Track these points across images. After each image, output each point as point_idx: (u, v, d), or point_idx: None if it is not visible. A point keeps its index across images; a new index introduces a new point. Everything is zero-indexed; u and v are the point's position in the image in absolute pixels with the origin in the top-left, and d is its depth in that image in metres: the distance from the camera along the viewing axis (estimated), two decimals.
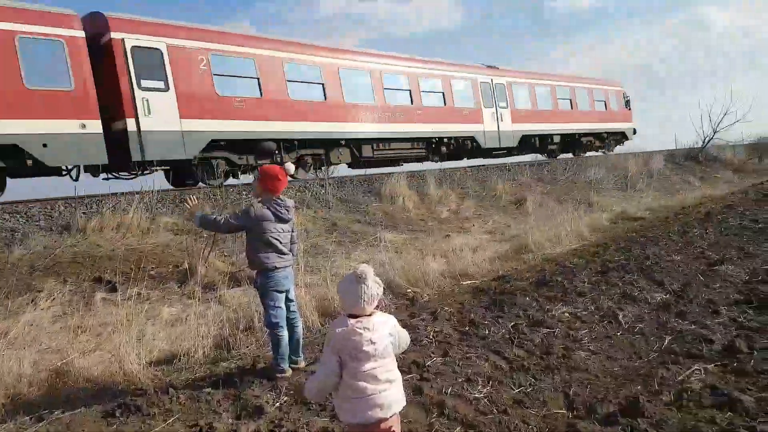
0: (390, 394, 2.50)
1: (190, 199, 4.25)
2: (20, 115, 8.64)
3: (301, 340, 4.23)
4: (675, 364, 3.87)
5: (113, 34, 9.94)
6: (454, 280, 6.77)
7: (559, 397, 3.59)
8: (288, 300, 4.12)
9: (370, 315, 2.53)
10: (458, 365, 3.96)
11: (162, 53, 10.57)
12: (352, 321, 2.48)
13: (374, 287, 2.53)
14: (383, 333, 2.52)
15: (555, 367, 3.93)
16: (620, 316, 4.82)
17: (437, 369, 3.90)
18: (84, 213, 7.99)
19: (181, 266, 6.94)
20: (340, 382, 2.49)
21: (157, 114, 10.29)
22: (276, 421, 3.30)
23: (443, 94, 16.52)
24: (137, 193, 8.35)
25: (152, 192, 8.55)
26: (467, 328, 4.67)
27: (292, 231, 4.18)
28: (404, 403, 2.57)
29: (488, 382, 3.70)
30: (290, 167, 4.08)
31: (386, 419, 2.48)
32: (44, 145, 8.89)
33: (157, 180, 11.03)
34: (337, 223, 10.88)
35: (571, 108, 20.56)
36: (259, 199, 4.13)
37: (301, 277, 6.22)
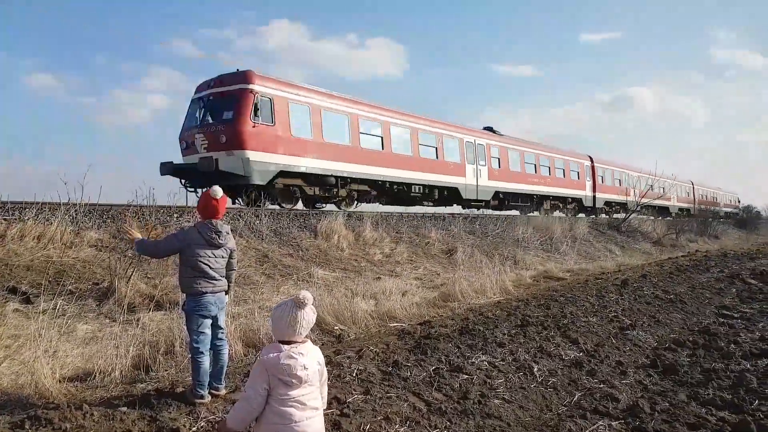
0: (314, 422, 2.53)
1: (128, 223, 4.19)
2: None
3: (225, 368, 4.14)
4: (582, 419, 4.12)
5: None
6: (381, 321, 6.86)
7: None
8: (216, 326, 4.04)
9: (302, 342, 2.58)
10: (378, 404, 4.01)
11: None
12: (286, 346, 2.52)
13: (311, 314, 2.60)
14: (313, 360, 2.58)
15: (471, 412, 4.07)
16: (535, 369, 5.07)
17: (357, 406, 3.93)
18: (5, 219, 7.48)
19: (101, 284, 6.61)
20: (265, 409, 2.49)
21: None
22: None
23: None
24: (63, 204, 7.92)
25: (79, 204, 8.14)
26: (390, 369, 4.74)
27: (230, 257, 4.15)
28: (322, 430, 2.60)
29: (406, 422, 3.78)
30: (216, 191, 4.06)
31: None
32: None
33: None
34: (268, 255, 10.75)
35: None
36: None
37: (228, 307, 6.11)
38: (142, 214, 9.21)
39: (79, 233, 7.74)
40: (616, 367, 5.42)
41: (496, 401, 4.32)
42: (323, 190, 14.99)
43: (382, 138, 16.37)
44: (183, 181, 13.22)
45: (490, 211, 20.45)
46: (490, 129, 22.54)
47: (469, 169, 19.51)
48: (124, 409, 3.64)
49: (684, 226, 27.64)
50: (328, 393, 3.98)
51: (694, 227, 28.89)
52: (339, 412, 3.77)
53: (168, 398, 3.82)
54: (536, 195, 22.99)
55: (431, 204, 18.65)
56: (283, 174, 13.55)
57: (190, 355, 3.99)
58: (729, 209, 47.83)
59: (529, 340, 5.86)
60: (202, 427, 3.46)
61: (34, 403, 3.78)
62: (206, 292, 3.90)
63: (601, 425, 4.00)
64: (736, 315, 7.95)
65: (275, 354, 2.50)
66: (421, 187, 17.78)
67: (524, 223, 18.05)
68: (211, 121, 12.87)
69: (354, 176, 15.34)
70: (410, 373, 4.68)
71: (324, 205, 15.71)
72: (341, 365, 4.73)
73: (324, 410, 2.73)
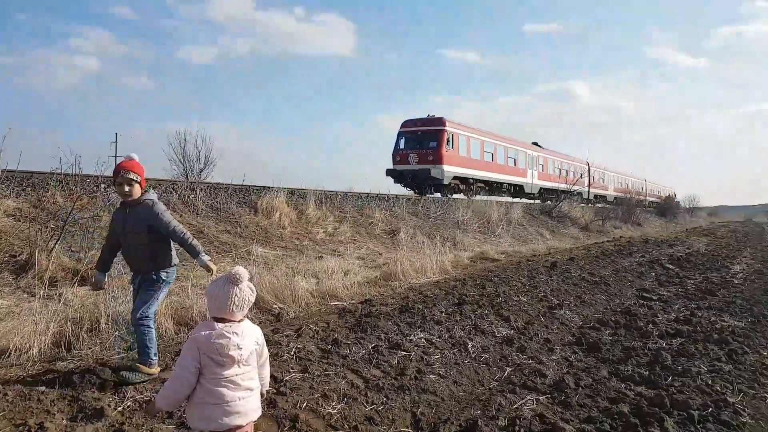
0: (248, 402, 2.48)
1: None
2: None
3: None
4: (512, 393, 4.28)
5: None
6: (322, 300, 6.83)
7: (407, 417, 3.78)
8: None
9: (239, 321, 2.50)
10: (316, 381, 4.00)
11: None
12: (220, 324, 2.44)
13: (247, 292, 2.51)
14: (250, 340, 2.51)
15: (407, 387, 4.13)
16: (469, 346, 5.22)
17: (295, 384, 3.90)
18: None
19: (19, 256, 6.17)
20: (196, 388, 2.41)
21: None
22: (117, 426, 3.07)
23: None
24: None
25: None
26: (330, 347, 4.73)
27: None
28: (260, 413, 2.56)
29: (343, 399, 3.79)
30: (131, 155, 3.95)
31: (242, 426, 2.45)
32: None
33: None
34: (204, 231, 10.40)
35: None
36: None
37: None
38: (67, 183, 8.64)
39: None
40: (544, 344, 5.66)
41: (431, 377, 4.41)
42: (466, 186, 23.47)
43: (493, 154, 25.81)
44: (401, 183, 22.58)
45: (434, 195, 20.96)
46: (536, 144, 32.59)
47: (528, 173, 29.52)
48: (43, 388, 3.44)
49: (610, 213, 29.19)
50: None
51: (619, 215, 30.57)
52: (275, 391, 3.73)
53: (92, 377, 3.63)
54: (560, 190, 29.60)
55: (510, 195, 27.17)
56: (455, 177, 22.32)
57: (148, 328, 3.81)
58: (654, 199, 51.14)
59: (464, 318, 6.02)
60: (128, 407, 3.32)
61: None
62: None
63: (529, 399, 4.16)
64: (654, 297, 8.48)
65: (207, 332, 2.41)
66: (508, 185, 27.12)
67: (464, 207, 18.43)
68: (419, 147, 21.93)
69: (478, 178, 24.43)
70: (349, 350, 4.69)
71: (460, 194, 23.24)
72: (279, 344, 4.68)
73: (266, 390, 2.68)
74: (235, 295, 2.45)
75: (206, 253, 4.03)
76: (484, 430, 3.50)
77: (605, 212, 28.26)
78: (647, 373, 4.83)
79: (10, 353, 4.04)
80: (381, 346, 4.91)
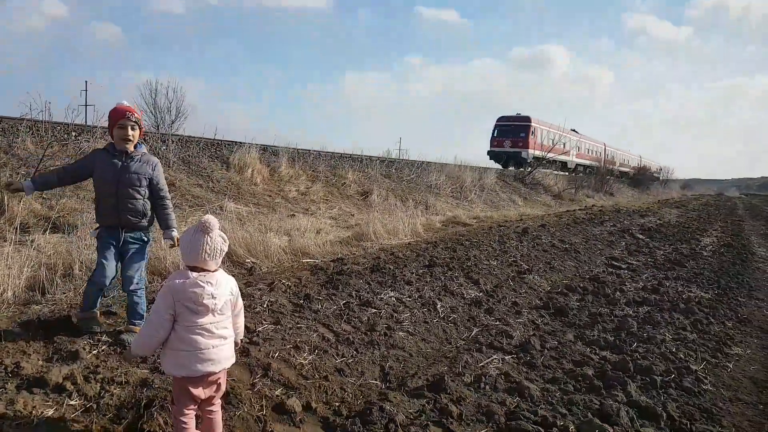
0: (222, 350, 2.55)
1: None
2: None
3: None
4: (478, 352, 4.47)
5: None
6: (294, 256, 6.89)
7: (376, 370, 3.94)
8: None
9: (213, 271, 2.55)
10: (288, 333, 4.10)
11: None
12: (194, 274, 2.48)
13: (219, 241, 2.55)
14: (225, 290, 2.56)
15: (377, 343, 4.29)
16: (438, 306, 5.40)
17: (267, 335, 4.00)
18: None
19: None
20: (171, 335, 2.47)
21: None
22: (92, 368, 3.11)
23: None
24: None
25: None
26: (302, 302, 4.83)
27: None
28: (233, 361, 2.65)
29: (314, 351, 3.91)
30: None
31: (215, 373, 2.53)
32: None
33: None
34: (176, 184, 10.27)
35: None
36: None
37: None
38: (37, 130, 8.36)
39: None
40: (512, 307, 5.89)
41: (400, 334, 4.57)
42: (538, 162, 29.81)
43: (553, 140, 32.98)
44: (495, 160, 30.62)
45: (410, 157, 20.96)
46: (574, 130, 40.15)
47: (571, 153, 36.52)
48: (17, 330, 3.45)
49: (583, 182, 29.78)
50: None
51: (592, 184, 31.23)
52: (248, 341, 3.82)
53: (66, 321, 3.65)
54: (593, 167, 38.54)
55: (559, 170, 33.23)
56: (534, 157, 30.26)
57: (142, 291, 3.80)
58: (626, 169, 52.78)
59: (435, 280, 6.18)
60: (102, 350, 3.37)
61: None
62: None
63: (495, 359, 4.37)
64: (623, 266, 8.82)
65: (182, 280, 2.45)
66: (559, 162, 34.10)
67: (438, 171, 18.55)
68: (512, 136, 31.49)
69: (546, 158, 30.28)
70: (321, 306, 4.80)
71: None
72: (252, 297, 4.74)
73: (239, 340, 2.76)
74: (207, 243, 2.49)
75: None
76: (450, 386, 3.68)
77: (578, 181, 28.81)
78: (612, 338, 5.06)
79: None
80: (352, 302, 5.03)
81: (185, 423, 2.51)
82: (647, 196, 40.30)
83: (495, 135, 32.12)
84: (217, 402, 2.65)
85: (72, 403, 2.79)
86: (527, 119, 31.32)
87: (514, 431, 3.30)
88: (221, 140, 13.64)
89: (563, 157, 34.85)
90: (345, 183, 14.75)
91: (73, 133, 9.14)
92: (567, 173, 33.18)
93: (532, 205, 19.96)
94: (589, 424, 3.36)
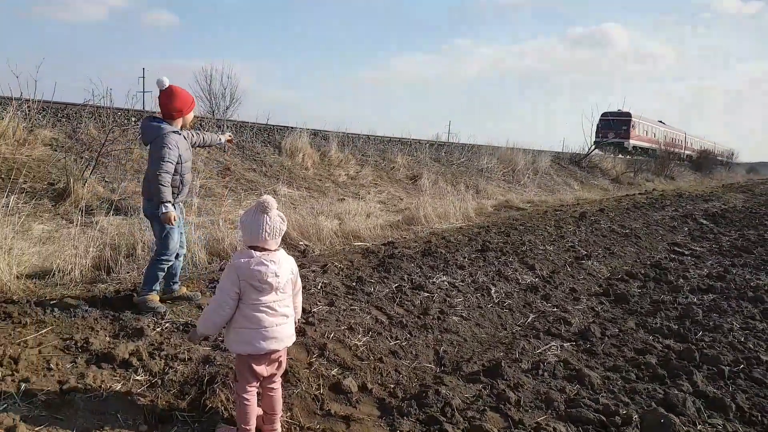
0: (284, 328, 2.57)
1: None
2: None
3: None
4: (536, 338, 4.36)
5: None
6: (345, 240, 6.92)
7: (430, 353, 3.90)
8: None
9: (274, 251, 2.56)
10: (342, 315, 4.12)
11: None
12: (258, 252, 2.50)
13: (277, 221, 2.55)
14: (286, 269, 2.58)
15: (430, 327, 4.25)
16: (492, 291, 5.29)
17: (322, 316, 4.02)
18: None
19: (57, 185, 6.36)
20: (235, 314, 2.51)
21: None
22: (156, 344, 3.22)
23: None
24: (15, 99, 7.41)
25: (32, 100, 7.62)
26: (354, 284, 4.84)
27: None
28: (294, 339, 2.66)
29: (368, 333, 3.91)
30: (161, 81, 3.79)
31: (277, 351, 2.56)
32: None
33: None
34: (231, 168, 10.52)
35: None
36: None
37: (191, 217, 6.05)
38: (99, 116, 8.73)
39: (32, 131, 7.33)
40: (570, 294, 5.71)
41: (454, 318, 4.51)
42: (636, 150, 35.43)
43: (646, 131, 40.09)
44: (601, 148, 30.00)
45: (460, 141, 20.64)
46: (661, 121, 45.47)
47: (660, 142, 41.09)
48: (86, 307, 3.60)
49: (642, 165, 28.48)
50: None
51: (652, 167, 29.83)
52: (304, 321, 3.86)
53: (130, 299, 3.80)
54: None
55: (647, 156, 36.77)
56: (633, 147, 36.24)
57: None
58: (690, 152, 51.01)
59: (488, 264, 6.06)
60: (166, 328, 3.48)
61: None
62: None
63: (554, 345, 4.24)
64: (686, 252, 8.39)
65: (246, 259, 2.48)
66: (650, 149, 38.56)
67: (489, 154, 18.19)
68: (614, 128, 36.48)
69: (641, 146, 37.60)
70: (373, 289, 4.79)
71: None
72: (306, 278, 4.79)
73: (297, 319, 2.78)
74: (266, 223, 2.50)
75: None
76: (507, 372, 3.60)
77: (637, 164, 27.57)
78: (677, 327, 4.84)
79: (54, 273, 4.25)
80: (404, 286, 5.00)
81: (247, 399, 2.56)
82: (710, 181, 38.19)
83: (600, 127, 36.50)
84: (278, 379, 2.68)
85: (138, 378, 2.90)
86: (628, 115, 37.49)
87: (574, 419, 3.20)
88: (273, 125, 13.85)
89: (651, 145, 40.60)
90: (394, 167, 14.70)
91: (133, 119, 9.49)
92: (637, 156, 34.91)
93: (589, 189, 19.27)
94: (653, 413, 3.21)
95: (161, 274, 3.78)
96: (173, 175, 3.69)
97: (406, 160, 15.28)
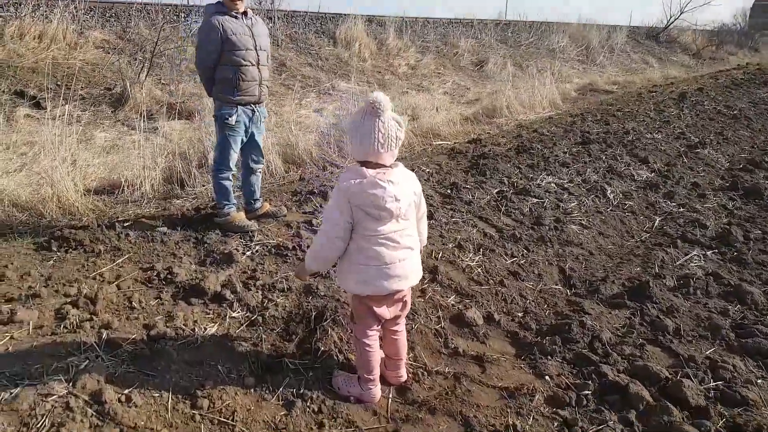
0: (409, 263, 2.02)
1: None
2: None
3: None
4: (672, 247, 3.70)
5: None
6: (425, 139, 6.22)
7: (554, 272, 3.33)
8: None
9: (393, 167, 1.94)
10: (445, 230, 3.56)
11: None
12: (371, 171, 1.88)
13: (393, 126, 1.90)
14: (408, 190, 1.96)
15: (548, 239, 3.64)
16: (608, 192, 4.56)
17: None
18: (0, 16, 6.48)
19: (113, 89, 5.89)
20: (350, 247, 1.96)
21: None
22: (249, 272, 2.80)
23: None
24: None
25: (78, 0, 6.99)
26: (449, 191, 4.23)
27: None
28: (421, 275, 2.12)
29: (479, 250, 3.36)
30: None
31: (401, 291, 2.03)
32: None
33: None
34: (286, 63, 9.74)
35: None
36: None
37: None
38: (147, 13, 8.01)
39: (82, 33, 6.79)
40: (693, 189, 4.91)
41: (573, 227, 3.87)
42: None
43: None
44: None
45: (528, 18, 18.57)
46: None
47: None
48: (164, 229, 3.19)
49: (726, 37, 25.24)
50: None
51: (735, 39, 26.43)
52: None
53: (212, 217, 3.33)
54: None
55: None
56: None
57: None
58: None
59: (595, 160, 5.27)
60: (257, 251, 3.03)
61: (57, 221, 3.35)
62: None
63: (695, 255, 3.57)
64: None
65: (357, 180, 1.86)
66: None
67: (560, 32, 16.30)
68: None
69: None
70: (472, 196, 4.17)
71: None
72: None
73: (423, 247, 2.21)
74: (378, 129, 1.86)
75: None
76: (655, 292, 3.00)
77: (720, 35, 24.43)
78: None
79: (123, 189, 3.84)
80: (506, 191, 4.34)
81: (369, 346, 2.09)
82: None
83: (753, 12, 35.31)
84: (402, 321, 2.19)
85: (234, 315, 2.49)
86: None
87: (751, 351, 2.61)
88: (326, 13, 12.67)
89: None
90: (457, 53, 13.39)
91: (182, 14, 8.71)
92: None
93: (670, 67, 17.21)
94: None
95: (227, 185, 3.24)
96: (225, 66, 3.01)
97: (470, 44, 13.87)
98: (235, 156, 3.23)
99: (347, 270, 2.00)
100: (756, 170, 5.55)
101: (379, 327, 2.13)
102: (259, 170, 3.47)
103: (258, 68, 3.13)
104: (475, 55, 13.67)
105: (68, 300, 2.44)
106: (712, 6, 36.05)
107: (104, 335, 2.21)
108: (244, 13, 3.09)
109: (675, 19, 22.06)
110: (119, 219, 3.36)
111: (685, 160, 5.62)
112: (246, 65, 3.05)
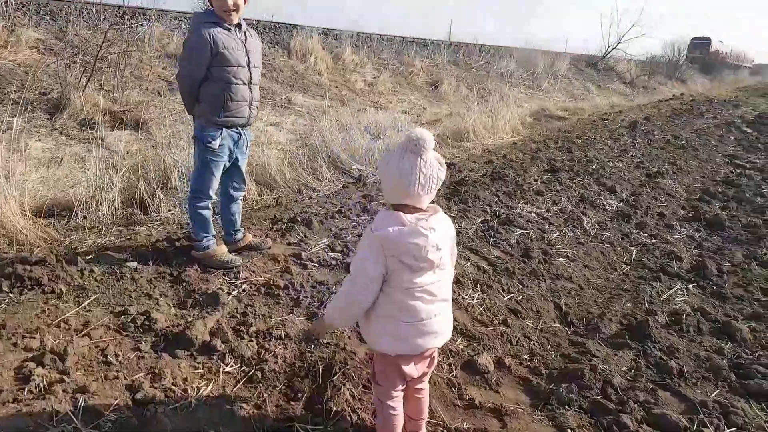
0: (444, 318, 1.84)
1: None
2: None
3: None
4: (655, 280, 3.73)
5: None
6: None
7: (550, 308, 3.25)
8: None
9: (433, 213, 1.75)
10: None
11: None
12: (410, 217, 1.68)
13: (435, 166, 1.71)
14: (446, 236, 1.78)
15: (539, 273, 3.57)
16: (584, 222, 4.58)
17: None
18: None
19: (50, 94, 5.32)
20: (380, 300, 1.75)
21: None
22: (239, 316, 2.50)
23: None
24: None
25: None
26: None
27: None
28: (451, 328, 1.93)
29: (476, 286, 3.23)
30: None
31: (434, 349, 1.84)
32: None
33: None
34: None
35: None
36: None
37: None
38: (88, 14, 7.39)
39: (14, 30, 6.11)
40: (660, 220, 5.07)
41: (560, 260, 3.83)
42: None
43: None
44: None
45: (478, 41, 19.01)
46: (720, 41, 45.20)
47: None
48: (134, 264, 2.81)
49: (656, 68, 27.06)
50: None
51: (664, 70, 28.40)
52: None
53: (187, 250, 2.98)
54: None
55: None
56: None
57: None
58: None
59: (566, 188, 5.32)
60: (244, 290, 2.74)
61: (3, 252, 2.89)
62: None
63: (679, 289, 3.62)
64: (747, 165, 7.72)
65: (396, 228, 1.66)
66: None
67: (508, 56, 16.79)
68: (699, 48, 37.92)
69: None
70: (459, 225, 4.03)
71: None
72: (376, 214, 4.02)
73: None
74: (420, 170, 1.66)
75: None
76: (654, 332, 2.98)
77: (651, 66, 26.12)
78: None
79: (76, 212, 3.38)
80: (489, 220, 4.26)
81: (393, 408, 1.88)
82: (720, 84, 36.80)
83: (690, 48, 38.12)
84: (427, 379, 2.00)
85: (228, 369, 2.20)
86: (708, 38, 40.58)
87: (754, 394, 2.62)
88: (279, 23, 12.38)
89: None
90: (412, 71, 13.45)
91: (126, 16, 8.14)
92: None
93: (607, 94, 18.12)
94: None
95: (206, 214, 2.91)
96: (213, 83, 2.71)
97: (425, 64, 14.00)
98: (215, 183, 2.91)
99: (376, 324, 1.78)
100: (712, 201, 5.82)
101: (404, 387, 1.92)
102: (241, 198, 3.17)
103: (249, 88, 2.84)
104: (429, 75, 13.78)
105: (30, 355, 2.06)
106: (644, 38, 38.58)
107: (80, 401, 1.86)
108: (238, 26, 2.79)
109: (612, 49, 23.38)
110: (78, 251, 2.96)
111: (648, 189, 5.80)
112: (237, 84, 2.75)
